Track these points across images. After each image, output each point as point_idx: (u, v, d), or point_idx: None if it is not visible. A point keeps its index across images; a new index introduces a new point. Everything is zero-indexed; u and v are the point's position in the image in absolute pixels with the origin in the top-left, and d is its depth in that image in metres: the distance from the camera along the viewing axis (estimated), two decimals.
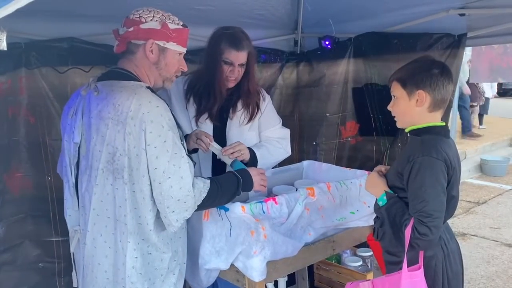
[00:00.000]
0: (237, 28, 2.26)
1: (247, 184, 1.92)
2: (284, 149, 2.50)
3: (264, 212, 1.89)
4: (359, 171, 2.44)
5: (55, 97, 2.40)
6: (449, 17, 2.78)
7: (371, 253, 2.86)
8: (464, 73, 7.69)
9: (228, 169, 2.12)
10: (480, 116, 9.51)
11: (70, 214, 1.82)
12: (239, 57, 2.21)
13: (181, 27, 1.75)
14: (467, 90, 8.07)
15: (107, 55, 2.23)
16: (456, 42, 3.07)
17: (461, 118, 8.59)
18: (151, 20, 1.69)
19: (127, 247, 1.66)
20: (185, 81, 2.34)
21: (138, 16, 1.69)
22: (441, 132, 1.77)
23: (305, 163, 2.68)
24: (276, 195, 2.02)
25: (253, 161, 2.24)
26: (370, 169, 2.12)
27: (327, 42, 3.33)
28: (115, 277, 1.72)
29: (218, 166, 2.28)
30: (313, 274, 2.98)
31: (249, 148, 2.24)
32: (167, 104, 1.69)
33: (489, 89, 9.40)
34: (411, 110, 1.76)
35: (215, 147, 2.12)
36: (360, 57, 3.37)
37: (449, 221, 1.86)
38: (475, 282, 3.79)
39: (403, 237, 1.67)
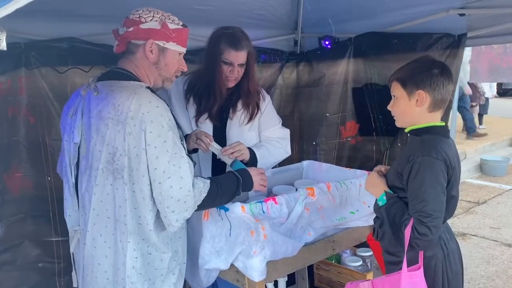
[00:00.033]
0: (237, 28, 2.26)
1: (247, 184, 1.92)
2: (284, 149, 2.50)
3: (264, 212, 1.89)
4: (359, 171, 2.44)
5: (55, 97, 2.40)
6: (449, 17, 2.78)
7: (371, 253, 2.86)
8: (465, 74, 7.68)
9: (228, 169, 2.12)
10: (480, 116, 9.51)
11: (70, 214, 1.82)
12: (238, 57, 2.21)
13: (181, 27, 1.75)
14: (468, 91, 8.06)
15: (107, 55, 2.23)
16: (456, 42, 3.08)
17: (464, 119, 8.58)
18: (151, 20, 1.69)
19: (127, 247, 1.66)
20: (185, 81, 2.34)
21: (138, 16, 1.69)
22: (441, 132, 1.77)
23: (305, 163, 2.68)
24: (276, 195, 2.02)
25: (253, 161, 2.24)
26: (370, 169, 2.12)
27: (327, 42, 3.33)
28: (115, 277, 1.72)
29: (218, 166, 2.28)
30: (313, 274, 2.98)
31: (249, 148, 2.24)
32: (167, 104, 1.69)
33: (488, 89, 9.40)
34: (411, 110, 1.76)
35: (215, 147, 2.12)
36: (360, 57, 3.37)
37: (449, 221, 1.86)
38: (475, 282, 3.79)
39: (403, 237, 1.67)
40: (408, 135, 1.85)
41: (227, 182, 1.85)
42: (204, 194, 1.70)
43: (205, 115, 2.29)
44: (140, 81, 1.72)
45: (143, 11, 1.70)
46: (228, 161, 2.11)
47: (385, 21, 3.08)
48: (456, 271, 1.79)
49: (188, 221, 1.79)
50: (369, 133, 3.48)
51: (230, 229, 1.85)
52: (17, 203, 2.37)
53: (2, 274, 2.34)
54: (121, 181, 1.63)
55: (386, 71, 3.21)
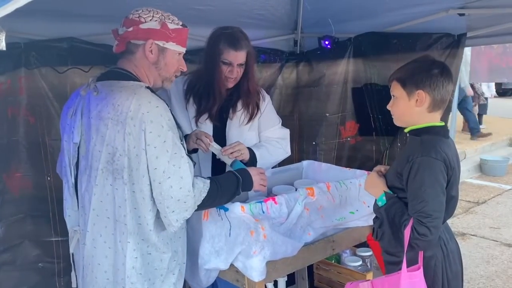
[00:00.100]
0: (236, 28, 2.26)
1: (247, 183, 1.92)
2: (284, 149, 2.50)
3: (263, 212, 1.89)
4: (358, 171, 2.44)
5: (54, 97, 2.40)
6: (448, 17, 2.78)
7: (371, 253, 2.86)
8: (468, 74, 7.66)
9: (228, 169, 2.12)
10: (480, 116, 9.50)
11: (69, 214, 1.82)
12: (238, 57, 2.21)
13: (180, 27, 1.75)
14: (470, 92, 8.04)
15: (106, 55, 2.23)
16: (456, 42, 3.08)
17: (466, 120, 8.57)
18: (150, 20, 1.69)
19: (127, 247, 1.66)
20: (184, 81, 2.34)
21: (138, 16, 1.69)
22: (441, 132, 1.77)
23: (305, 163, 2.68)
24: (276, 195, 2.02)
25: (252, 161, 2.24)
26: (369, 169, 2.12)
27: (326, 42, 3.33)
28: (115, 277, 1.72)
29: (217, 166, 2.28)
30: (313, 274, 2.98)
31: (249, 148, 2.24)
32: (166, 104, 1.69)
33: (487, 89, 9.39)
34: (410, 110, 1.76)
35: (215, 147, 2.12)
36: (360, 57, 3.37)
37: (449, 221, 1.86)
38: (475, 282, 3.79)
39: (403, 237, 1.67)
40: (408, 135, 1.85)
41: (227, 182, 1.85)
42: (204, 194, 1.70)
43: (205, 115, 2.29)
44: (139, 81, 1.72)
45: (142, 11, 1.70)
46: (228, 161, 2.11)
47: (385, 21, 3.08)
48: (455, 271, 1.79)
49: (188, 221, 1.79)
50: (369, 133, 3.48)
51: (230, 229, 1.85)
52: (17, 203, 2.37)
53: (2, 274, 2.34)
54: (121, 181, 1.63)
55: (385, 71, 3.21)
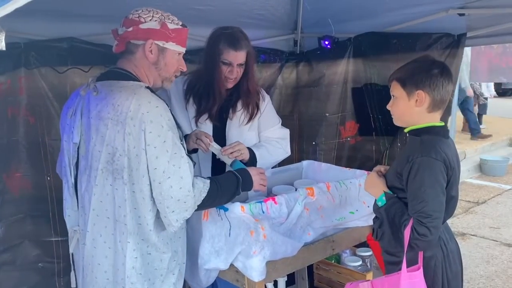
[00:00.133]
0: (236, 28, 2.26)
1: (247, 183, 1.92)
2: (284, 149, 2.50)
3: (263, 212, 1.89)
4: (358, 171, 2.44)
5: (54, 97, 2.40)
6: (448, 17, 2.78)
7: (371, 253, 2.86)
8: (468, 74, 7.65)
9: (228, 169, 2.12)
10: (479, 116, 9.50)
11: (69, 214, 1.82)
12: (237, 57, 2.21)
13: (180, 27, 1.75)
14: (470, 92, 8.02)
15: (106, 55, 2.23)
16: (456, 42, 3.08)
17: (467, 121, 8.57)
18: (150, 20, 1.69)
19: (127, 248, 1.66)
20: (184, 81, 2.34)
21: (138, 16, 1.69)
22: (441, 132, 1.77)
23: (305, 163, 2.68)
24: (276, 195, 2.02)
25: (252, 161, 2.24)
26: (369, 169, 2.12)
27: (326, 42, 3.33)
28: (115, 278, 1.72)
29: (217, 166, 2.28)
30: (313, 274, 2.98)
31: (249, 148, 2.24)
32: (166, 104, 1.69)
33: (486, 90, 9.38)
34: (410, 110, 1.75)
35: (215, 147, 2.12)
36: (360, 57, 3.37)
37: (449, 221, 1.86)
38: (475, 282, 3.79)
39: (402, 237, 1.67)
40: (408, 135, 1.85)
41: (227, 182, 1.85)
42: (204, 194, 1.70)
43: (205, 116, 2.29)
44: (139, 81, 1.72)
45: (142, 11, 1.70)
46: (227, 161, 2.11)
47: (385, 21, 3.08)
48: (455, 271, 1.79)
49: (187, 221, 1.78)
50: (369, 133, 3.48)
51: (230, 229, 1.85)
52: (16, 203, 2.37)
53: (2, 274, 2.34)
54: (120, 181, 1.63)
55: (385, 71, 3.21)
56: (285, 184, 2.42)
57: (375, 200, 1.84)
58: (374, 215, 1.91)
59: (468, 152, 7.50)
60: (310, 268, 2.85)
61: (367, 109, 3.44)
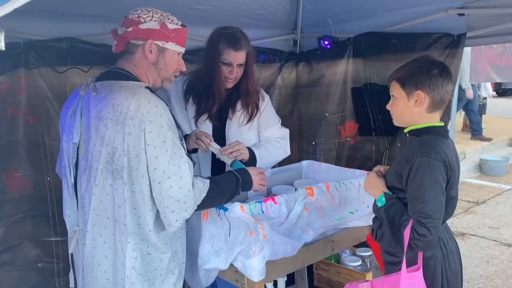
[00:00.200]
0: (236, 28, 2.26)
1: (247, 183, 1.92)
2: (283, 149, 2.50)
3: (263, 212, 1.89)
4: (358, 171, 2.44)
5: (54, 97, 2.40)
6: (448, 17, 2.78)
7: (371, 252, 2.86)
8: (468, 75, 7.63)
9: (228, 168, 2.12)
10: (479, 116, 9.48)
11: (69, 214, 1.82)
12: (237, 57, 2.21)
13: (180, 27, 1.75)
14: (470, 94, 8.01)
15: (106, 55, 2.23)
16: (455, 42, 3.08)
17: (470, 121, 8.56)
18: (150, 20, 1.68)
19: (127, 248, 1.66)
20: (184, 81, 2.34)
21: (137, 16, 1.69)
22: (440, 132, 1.77)
23: (305, 163, 2.68)
24: (275, 195, 2.02)
25: (252, 160, 2.24)
26: (369, 169, 2.12)
27: (326, 42, 3.33)
28: (114, 278, 1.71)
29: (217, 166, 2.28)
30: (313, 274, 2.98)
31: (248, 148, 2.24)
32: (166, 104, 1.69)
33: (484, 90, 9.36)
34: (410, 110, 1.75)
35: (214, 147, 2.12)
36: (359, 57, 3.37)
37: (448, 221, 1.86)
38: (474, 281, 3.79)
39: (402, 238, 1.67)
40: (407, 135, 1.85)
41: (227, 182, 1.85)
42: (204, 194, 1.70)
43: (205, 116, 2.29)
44: (139, 81, 1.72)
45: (142, 11, 1.70)
46: (227, 160, 2.10)
47: (385, 21, 3.08)
48: (455, 271, 1.79)
49: (187, 221, 1.78)
50: (369, 133, 3.48)
51: (230, 229, 1.85)
52: (16, 203, 2.37)
53: (1, 274, 2.34)
54: (120, 181, 1.63)
55: (385, 71, 3.21)
56: (285, 184, 2.42)
57: (375, 200, 1.84)
58: (373, 215, 1.91)
59: (467, 152, 7.50)
60: (310, 268, 2.86)
61: (367, 109, 3.44)
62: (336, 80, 3.43)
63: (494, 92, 12.63)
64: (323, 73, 3.45)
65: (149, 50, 1.71)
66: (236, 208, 1.83)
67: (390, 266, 1.83)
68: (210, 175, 2.25)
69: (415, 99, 1.73)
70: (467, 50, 6.56)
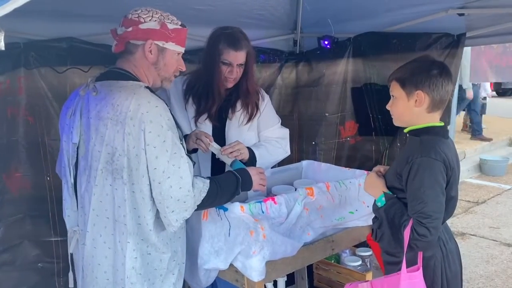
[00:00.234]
0: (236, 28, 2.26)
1: (247, 183, 1.92)
2: (283, 149, 2.49)
3: (263, 212, 1.89)
4: (358, 171, 2.44)
5: (54, 97, 2.40)
6: (448, 17, 2.78)
7: (370, 252, 2.86)
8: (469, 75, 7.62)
9: (228, 168, 2.12)
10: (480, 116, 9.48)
11: (69, 214, 1.82)
12: (237, 57, 2.21)
13: (179, 27, 1.75)
14: (470, 94, 8.01)
15: (106, 55, 2.23)
16: (455, 42, 3.08)
17: (471, 121, 8.56)
18: (150, 20, 1.68)
19: (127, 248, 1.66)
20: (184, 81, 2.34)
21: (137, 16, 1.69)
22: (440, 132, 1.77)
23: (304, 163, 2.68)
24: (275, 195, 2.02)
25: (252, 160, 2.24)
26: (369, 169, 2.12)
27: (326, 42, 3.33)
28: (114, 278, 1.71)
29: (217, 166, 2.28)
30: (313, 274, 2.98)
31: (248, 148, 2.24)
32: (166, 104, 1.69)
33: (483, 90, 9.35)
34: (410, 110, 1.75)
35: (214, 147, 2.12)
36: (359, 57, 3.37)
37: (448, 221, 1.86)
38: (474, 281, 3.79)
39: (402, 238, 1.67)
40: (407, 135, 1.85)
41: (227, 182, 1.85)
42: (204, 194, 1.70)
43: (204, 116, 2.29)
44: (139, 81, 1.72)
45: (142, 11, 1.70)
46: (227, 160, 2.10)
47: (384, 21, 3.08)
48: (455, 271, 1.79)
49: (187, 221, 1.78)
50: (368, 133, 3.48)
51: (229, 229, 1.85)
52: (16, 203, 2.37)
53: (1, 274, 2.35)
54: (120, 181, 1.63)
55: (385, 71, 3.21)
56: (285, 184, 2.42)
57: (375, 200, 1.83)
58: (373, 215, 1.91)
59: (467, 152, 7.50)
60: (309, 268, 2.86)
61: (367, 109, 3.44)
62: (336, 80, 3.43)
63: (494, 92, 12.63)
64: (323, 73, 3.45)
65: (149, 50, 1.71)
66: (236, 208, 1.83)
67: (390, 266, 1.83)
68: (210, 175, 2.25)
69: (415, 99, 1.73)
70: (467, 50, 6.56)
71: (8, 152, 2.32)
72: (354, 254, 2.96)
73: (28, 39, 2.29)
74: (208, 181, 1.74)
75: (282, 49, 3.47)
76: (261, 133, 2.46)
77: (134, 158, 1.60)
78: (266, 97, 2.50)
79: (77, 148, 1.73)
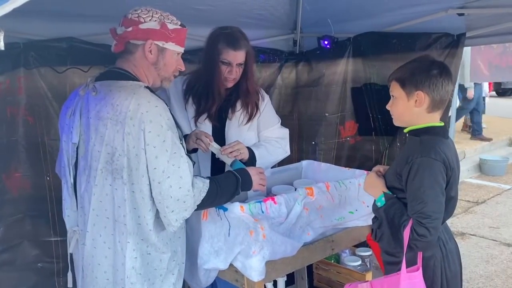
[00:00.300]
0: (235, 27, 2.26)
1: (246, 183, 1.91)
2: (283, 149, 2.49)
3: (263, 212, 1.88)
4: (358, 171, 2.44)
5: (53, 97, 2.40)
6: (448, 17, 2.78)
7: (370, 252, 2.86)
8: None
9: (227, 168, 2.12)
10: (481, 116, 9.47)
11: (68, 214, 1.82)
12: (237, 56, 2.21)
13: (179, 27, 1.75)
14: (471, 94, 8.00)
15: (106, 55, 2.22)
16: (455, 42, 3.08)
17: (472, 121, 8.57)
18: (150, 20, 1.68)
19: (127, 248, 1.66)
20: (183, 81, 2.34)
21: (137, 16, 1.68)
22: (440, 132, 1.76)
23: (304, 162, 2.68)
24: (275, 195, 2.02)
25: (252, 160, 2.24)
26: (369, 168, 2.12)
27: (326, 42, 3.33)
28: (114, 278, 1.71)
29: (217, 165, 2.28)
30: (312, 274, 2.98)
31: (248, 148, 2.24)
32: (166, 103, 1.69)
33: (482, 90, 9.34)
34: (410, 110, 1.75)
35: (214, 147, 2.12)
36: (359, 56, 3.37)
37: (448, 221, 1.86)
38: (474, 281, 3.79)
39: (402, 238, 1.67)
40: (407, 135, 1.85)
41: (227, 182, 1.84)
42: (204, 194, 1.70)
43: (204, 116, 2.29)
44: (138, 81, 1.72)
45: (141, 10, 1.69)
46: (227, 160, 2.10)
47: (384, 20, 3.08)
48: (454, 271, 1.79)
49: (187, 221, 1.78)
50: (368, 133, 3.48)
51: (229, 229, 1.85)
52: (16, 203, 2.37)
53: (1, 274, 2.35)
54: (120, 181, 1.63)
55: (385, 70, 3.21)
56: (285, 184, 2.42)
57: (374, 200, 1.83)
58: (373, 215, 1.91)
59: (467, 152, 7.50)
60: (309, 268, 2.86)
61: (367, 109, 3.44)
62: (336, 80, 3.43)
63: (494, 92, 12.63)
64: (323, 73, 3.45)
65: (149, 50, 1.71)
66: (235, 208, 1.83)
67: (390, 266, 1.83)
68: (210, 175, 2.25)
69: (415, 99, 1.73)
70: (468, 50, 6.56)
71: (8, 152, 2.32)
72: (354, 254, 2.96)
73: (27, 39, 2.29)
74: (208, 181, 1.74)
75: (282, 49, 3.47)
76: (261, 133, 2.46)
77: (134, 158, 1.60)
78: (266, 97, 2.50)
79: (77, 148, 1.73)
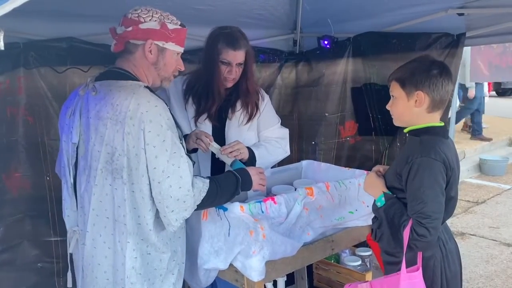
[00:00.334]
0: (234, 27, 2.26)
1: (246, 183, 1.91)
2: (283, 149, 2.50)
3: (263, 212, 1.88)
4: (358, 171, 2.43)
5: (53, 97, 2.40)
6: (448, 17, 2.79)
7: (370, 252, 2.86)
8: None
9: (227, 168, 2.12)
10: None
11: (68, 214, 1.82)
12: (236, 56, 2.21)
13: (179, 27, 1.75)
14: (471, 94, 7.99)
15: (106, 55, 2.22)
16: (455, 42, 3.08)
17: (472, 121, 8.57)
18: (150, 20, 1.68)
19: (127, 248, 1.66)
20: (183, 81, 2.34)
21: (137, 15, 1.68)
22: (440, 132, 1.76)
23: (304, 162, 2.68)
24: (275, 195, 2.02)
25: (251, 160, 2.24)
26: (369, 168, 2.12)
27: (326, 42, 3.33)
28: (114, 278, 1.71)
29: (217, 165, 2.28)
30: (312, 274, 2.98)
31: (248, 148, 2.24)
32: (165, 103, 1.69)
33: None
34: (410, 110, 1.75)
35: (214, 147, 2.12)
36: (359, 56, 3.37)
37: (448, 221, 1.86)
38: (474, 281, 3.79)
39: (402, 238, 1.67)
40: (407, 135, 1.85)
41: (226, 182, 1.84)
42: (204, 194, 1.70)
43: (204, 115, 2.29)
44: (138, 81, 1.72)
45: (141, 10, 1.69)
46: (227, 160, 2.10)
47: (384, 20, 3.08)
48: (454, 271, 1.79)
49: (187, 221, 1.78)
50: (368, 133, 3.48)
51: (229, 229, 1.85)
52: (15, 203, 2.37)
53: (1, 274, 2.35)
54: (120, 181, 1.63)
55: (385, 70, 3.21)
56: (285, 184, 2.41)
57: (374, 200, 1.83)
58: (373, 215, 1.91)
59: (467, 151, 7.50)
60: (309, 268, 2.86)
61: (367, 109, 3.44)
62: (336, 80, 3.43)
63: (494, 92, 12.62)
64: (323, 73, 3.45)
65: (149, 50, 1.71)
66: (235, 208, 1.83)
67: (390, 266, 1.83)
68: (210, 175, 2.24)
69: (415, 99, 1.73)
70: (468, 50, 6.56)
71: (8, 152, 2.32)
72: (354, 254, 2.96)
73: (27, 39, 2.29)
74: (208, 181, 1.74)
75: (282, 49, 3.47)
76: (261, 133, 2.46)
77: (133, 158, 1.60)
78: (266, 97, 2.50)
79: (77, 148, 1.73)
